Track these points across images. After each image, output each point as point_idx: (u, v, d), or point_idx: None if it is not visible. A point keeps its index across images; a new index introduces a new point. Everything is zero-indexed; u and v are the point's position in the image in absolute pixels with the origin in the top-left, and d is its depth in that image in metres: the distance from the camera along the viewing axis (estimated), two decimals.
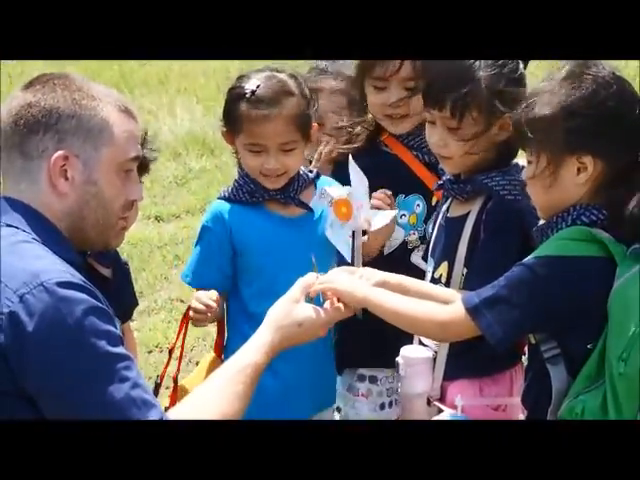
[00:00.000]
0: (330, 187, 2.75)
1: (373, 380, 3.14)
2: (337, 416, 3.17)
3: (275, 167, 2.93)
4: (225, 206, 3.02)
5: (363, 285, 2.52)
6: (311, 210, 2.99)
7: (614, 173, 2.31)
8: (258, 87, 2.90)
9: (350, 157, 2.71)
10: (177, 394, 2.91)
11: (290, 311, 2.43)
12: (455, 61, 2.66)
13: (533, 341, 2.40)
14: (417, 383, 2.76)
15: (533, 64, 2.72)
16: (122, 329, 2.96)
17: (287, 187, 3.00)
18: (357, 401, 3.12)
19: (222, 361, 2.94)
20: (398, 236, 3.08)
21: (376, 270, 2.62)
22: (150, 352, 4.91)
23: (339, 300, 2.46)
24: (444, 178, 2.84)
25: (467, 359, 2.70)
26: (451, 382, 2.77)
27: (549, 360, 2.34)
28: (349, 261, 2.65)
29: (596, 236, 2.27)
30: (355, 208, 2.66)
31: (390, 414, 3.13)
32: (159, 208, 6.70)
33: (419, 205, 3.09)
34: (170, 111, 8.58)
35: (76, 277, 2.11)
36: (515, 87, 2.64)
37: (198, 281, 3.02)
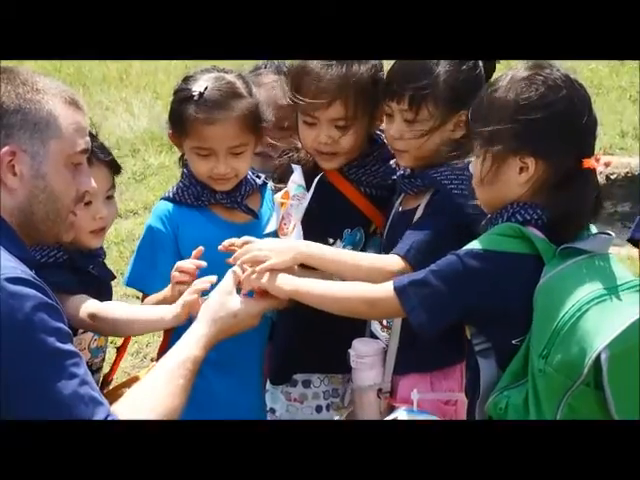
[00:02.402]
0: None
1: (307, 384, 3.08)
2: (269, 417, 3.10)
3: (225, 172, 2.86)
4: (170, 207, 2.94)
5: (290, 278, 2.55)
6: (257, 217, 2.97)
7: (556, 175, 2.34)
8: (206, 89, 2.81)
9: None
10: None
11: (224, 303, 2.48)
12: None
13: (468, 334, 2.42)
14: (368, 375, 2.80)
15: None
16: None
17: (234, 192, 2.94)
18: (291, 405, 3.08)
19: None
20: None
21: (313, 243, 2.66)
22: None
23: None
24: (398, 173, 2.87)
25: (417, 352, 2.73)
26: (402, 376, 2.80)
27: (480, 353, 2.37)
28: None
29: (525, 233, 2.31)
30: (290, 197, 2.78)
31: (329, 417, 3.07)
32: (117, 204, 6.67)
33: (357, 235, 2.99)
34: (129, 107, 8.54)
35: (26, 273, 2.10)
36: (473, 85, 2.68)
37: (142, 284, 2.96)
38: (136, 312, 2.73)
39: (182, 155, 2.99)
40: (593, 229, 2.42)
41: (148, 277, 2.93)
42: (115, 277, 3.01)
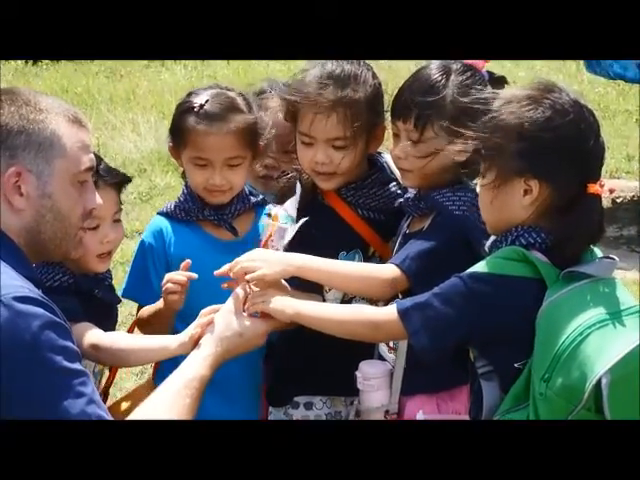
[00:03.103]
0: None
1: (309, 406, 3.05)
2: None
3: (220, 183, 2.94)
4: (164, 222, 3.03)
5: (292, 301, 2.56)
6: (236, 235, 3.01)
7: (561, 199, 2.33)
8: (207, 102, 2.92)
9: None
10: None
11: (230, 322, 2.49)
12: (423, 76, 2.71)
13: (472, 357, 2.42)
14: (375, 397, 2.79)
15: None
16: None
17: (223, 209, 3.00)
18: None
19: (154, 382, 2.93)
20: (337, 295, 2.95)
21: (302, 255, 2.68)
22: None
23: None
24: (406, 196, 2.87)
25: (423, 373, 2.72)
26: (409, 397, 2.80)
27: (483, 376, 2.37)
28: None
29: (529, 257, 2.31)
30: (278, 222, 2.82)
31: None
32: (123, 224, 6.67)
33: (355, 257, 2.94)
34: (136, 128, 8.57)
35: (34, 292, 2.11)
36: (481, 106, 2.69)
37: (136, 295, 3.02)
38: (139, 342, 2.74)
39: (184, 171, 3.05)
40: (598, 253, 2.41)
41: (142, 288, 3.00)
42: (121, 301, 3.02)
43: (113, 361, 2.78)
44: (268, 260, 2.63)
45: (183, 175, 3.08)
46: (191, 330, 2.58)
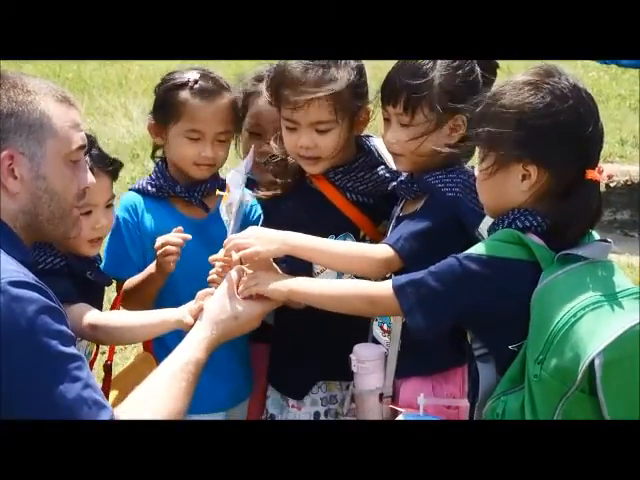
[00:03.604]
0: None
1: None
2: None
3: (211, 156, 3.02)
4: (137, 198, 3.08)
5: (286, 280, 2.57)
6: (207, 211, 3.07)
7: (559, 184, 2.34)
8: (200, 78, 3.02)
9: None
10: (110, 383, 2.92)
11: (225, 305, 2.49)
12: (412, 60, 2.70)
13: (469, 339, 2.43)
14: (369, 380, 2.80)
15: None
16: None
17: (194, 186, 3.06)
18: (289, 411, 3.06)
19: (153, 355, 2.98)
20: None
21: (296, 234, 2.67)
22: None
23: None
24: (399, 179, 2.87)
25: (418, 356, 2.74)
26: (404, 380, 2.81)
27: (479, 358, 2.38)
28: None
29: (524, 240, 2.31)
30: (232, 187, 2.82)
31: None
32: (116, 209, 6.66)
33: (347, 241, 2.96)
34: (128, 113, 8.55)
35: (28, 276, 2.10)
36: (469, 88, 2.69)
37: (116, 271, 3.03)
38: (136, 318, 2.75)
39: (154, 150, 3.15)
40: (595, 236, 2.42)
41: (122, 263, 3.03)
42: (112, 282, 3.02)
43: (112, 339, 2.78)
44: (262, 238, 2.63)
45: (152, 155, 3.18)
46: (191, 305, 2.60)
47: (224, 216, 2.86)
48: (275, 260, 2.73)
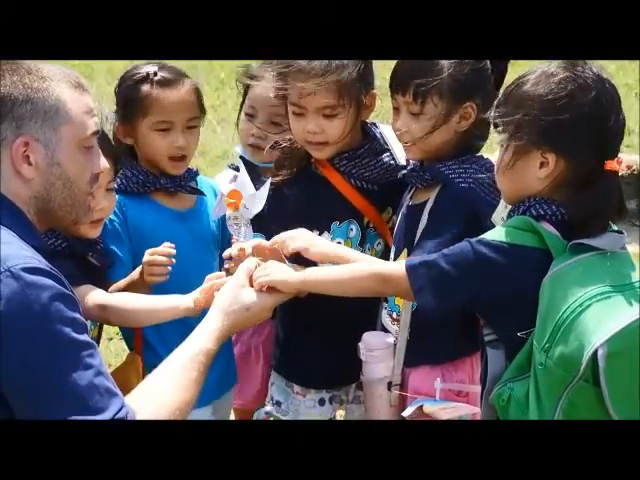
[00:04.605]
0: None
1: None
2: (274, 411, 3.11)
3: (183, 144, 3.03)
4: (119, 198, 3.02)
5: (293, 271, 2.56)
6: (202, 194, 3.12)
7: (577, 174, 2.34)
8: (159, 69, 3.04)
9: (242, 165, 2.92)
10: None
11: (237, 296, 2.48)
12: None
13: (482, 324, 2.44)
14: (378, 368, 2.82)
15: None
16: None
17: (176, 176, 3.08)
18: (294, 398, 3.07)
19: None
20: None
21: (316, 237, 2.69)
22: (111, 339, 4.92)
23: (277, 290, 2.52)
24: (409, 167, 2.88)
25: (427, 344, 2.76)
26: (412, 368, 2.82)
27: (489, 344, 2.40)
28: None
29: (536, 228, 2.32)
30: (244, 198, 2.87)
31: (331, 410, 3.08)
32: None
33: (352, 229, 2.97)
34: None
35: (42, 263, 2.11)
36: (478, 77, 2.70)
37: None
38: (148, 302, 2.76)
39: (121, 147, 3.09)
40: (612, 226, 2.41)
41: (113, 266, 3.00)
42: (113, 264, 3.01)
43: (121, 321, 2.81)
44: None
45: (121, 151, 3.09)
46: (196, 294, 2.61)
47: (232, 223, 2.91)
48: None
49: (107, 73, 9.39)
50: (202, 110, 3.13)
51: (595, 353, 2.15)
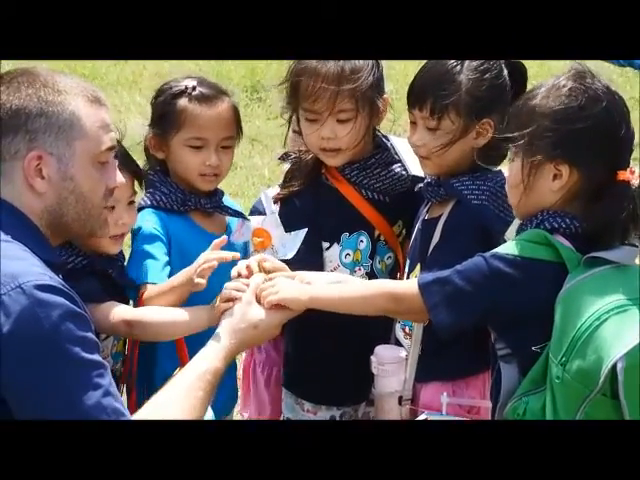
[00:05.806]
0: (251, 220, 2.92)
1: None
2: None
3: (216, 163, 2.94)
4: (159, 214, 2.95)
5: (305, 287, 2.55)
6: (244, 217, 3.03)
7: (590, 185, 2.35)
8: (198, 84, 2.97)
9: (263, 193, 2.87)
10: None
11: (245, 314, 2.47)
12: (439, 63, 2.71)
13: (492, 339, 2.43)
14: (389, 382, 2.80)
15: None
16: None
17: (213, 196, 3.02)
18: (304, 416, 3.04)
19: None
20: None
21: (311, 272, 2.66)
22: None
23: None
24: (425, 181, 2.88)
25: (439, 360, 2.75)
26: (424, 384, 2.81)
27: (502, 358, 2.39)
28: None
29: (551, 241, 2.31)
30: (273, 236, 2.83)
31: None
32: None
33: (362, 241, 2.95)
34: (143, 110, 8.56)
35: (54, 280, 2.10)
36: (496, 93, 2.71)
37: (151, 277, 2.89)
38: (172, 315, 2.70)
39: (150, 163, 3.06)
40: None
41: (154, 270, 2.90)
42: (135, 283, 2.93)
43: (148, 335, 2.74)
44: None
45: (150, 167, 3.06)
46: (217, 303, 2.57)
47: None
48: (284, 261, 2.74)
49: (116, 83, 9.41)
50: (239, 130, 3.04)
51: (614, 367, 2.15)
